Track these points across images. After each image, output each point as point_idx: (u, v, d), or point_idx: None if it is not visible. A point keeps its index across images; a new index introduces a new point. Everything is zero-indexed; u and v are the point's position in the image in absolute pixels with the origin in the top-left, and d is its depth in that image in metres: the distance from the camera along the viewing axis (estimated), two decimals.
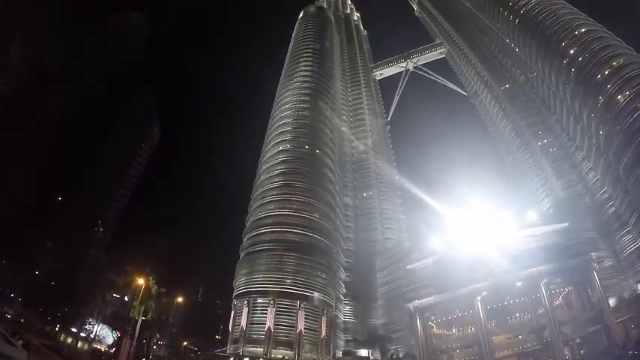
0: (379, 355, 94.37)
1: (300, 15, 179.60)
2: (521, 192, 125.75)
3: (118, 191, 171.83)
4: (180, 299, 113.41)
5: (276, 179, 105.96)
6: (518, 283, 72.14)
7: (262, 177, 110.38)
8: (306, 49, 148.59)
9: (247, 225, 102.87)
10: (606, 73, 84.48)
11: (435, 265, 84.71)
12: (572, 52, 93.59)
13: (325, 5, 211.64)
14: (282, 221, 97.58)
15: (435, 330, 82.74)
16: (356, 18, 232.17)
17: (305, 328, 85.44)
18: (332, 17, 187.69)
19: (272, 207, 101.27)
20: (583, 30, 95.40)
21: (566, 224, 76.71)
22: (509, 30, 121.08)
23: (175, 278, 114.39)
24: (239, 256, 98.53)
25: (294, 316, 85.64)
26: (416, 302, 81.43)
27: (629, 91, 78.97)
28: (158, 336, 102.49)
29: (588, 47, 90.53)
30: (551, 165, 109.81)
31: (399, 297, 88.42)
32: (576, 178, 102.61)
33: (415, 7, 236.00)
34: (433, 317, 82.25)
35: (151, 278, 79.87)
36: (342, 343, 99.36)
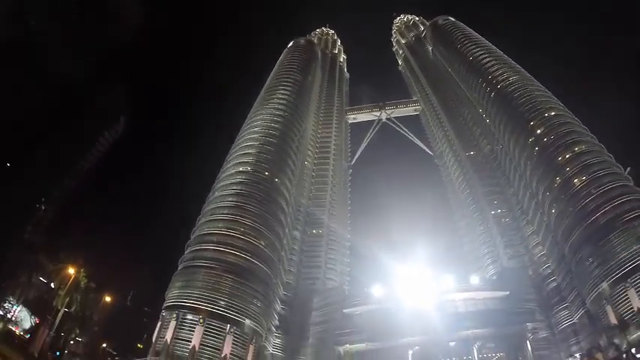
0: None
1: (289, 44, 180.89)
2: (468, 256, 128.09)
3: (71, 174, 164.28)
4: (108, 299, 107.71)
5: (230, 199, 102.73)
6: (452, 343, 73.01)
7: (217, 193, 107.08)
8: (288, 79, 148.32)
9: (192, 238, 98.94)
10: (567, 156, 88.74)
11: (372, 313, 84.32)
12: (538, 131, 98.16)
13: (316, 41, 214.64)
14: (227, 241, 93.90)
15: None
16: (342, 60, 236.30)
17: (231, 354, 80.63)
18: (319, 54, 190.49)
19: (220, 225, 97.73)
20: (552, 113, 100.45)
21: (507, 292, 78.71)
22: (484, 101, 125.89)
23: (108, 276, 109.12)
24: (177, 267, 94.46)
25: (221, 340, 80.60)
26: (347, 346, 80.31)
27: (585, 176, 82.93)
28: (78, 331, 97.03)
29: (554, 130, 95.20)
30: (501, 234, 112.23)
31: (330, 339, 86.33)
32: (523, 251, 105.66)
33: (400, 62, 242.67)
34: None
35: (82, 270, 75.58)
36: None
